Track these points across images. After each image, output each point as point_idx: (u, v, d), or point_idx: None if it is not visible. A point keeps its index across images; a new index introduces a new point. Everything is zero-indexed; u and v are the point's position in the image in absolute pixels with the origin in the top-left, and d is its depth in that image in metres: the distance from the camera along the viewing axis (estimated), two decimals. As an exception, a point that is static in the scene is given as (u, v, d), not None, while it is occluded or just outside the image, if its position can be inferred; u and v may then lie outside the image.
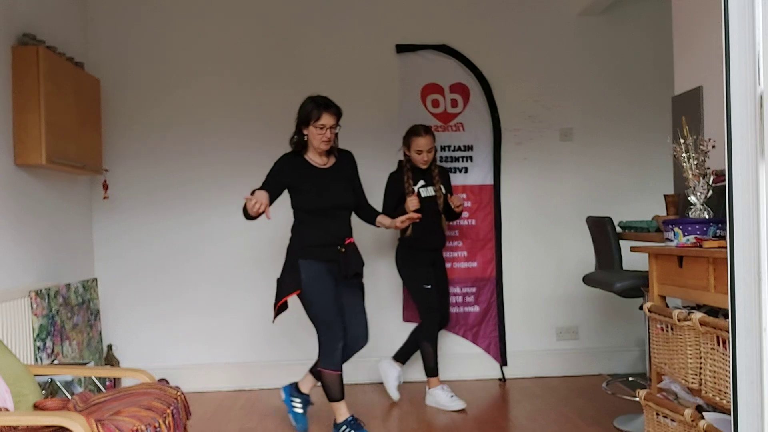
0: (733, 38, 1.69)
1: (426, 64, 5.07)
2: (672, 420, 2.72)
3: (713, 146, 2.94)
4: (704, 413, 2.57)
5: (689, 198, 2.96)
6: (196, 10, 4.99)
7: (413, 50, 5.06)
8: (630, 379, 4.73)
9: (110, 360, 4.69)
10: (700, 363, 2.56)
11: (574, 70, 5.15)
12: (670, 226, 2.92)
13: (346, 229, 3.81)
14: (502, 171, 5.08)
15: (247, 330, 4.97)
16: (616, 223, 4.08)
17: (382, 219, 4.00)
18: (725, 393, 2.37)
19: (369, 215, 4.02)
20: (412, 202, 4.07)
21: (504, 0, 5.13)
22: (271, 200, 3.63)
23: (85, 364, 3.67)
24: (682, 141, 3.00)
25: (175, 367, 4.84)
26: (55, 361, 3.74)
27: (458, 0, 5.11)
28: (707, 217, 2.88)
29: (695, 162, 2.95)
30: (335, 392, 3.74)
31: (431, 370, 4.43)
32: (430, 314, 4.45)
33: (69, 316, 4.00)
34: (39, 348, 3.62)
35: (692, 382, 2.62)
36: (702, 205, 2.92)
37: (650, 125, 5.03)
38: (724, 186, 1.75)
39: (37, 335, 3.61)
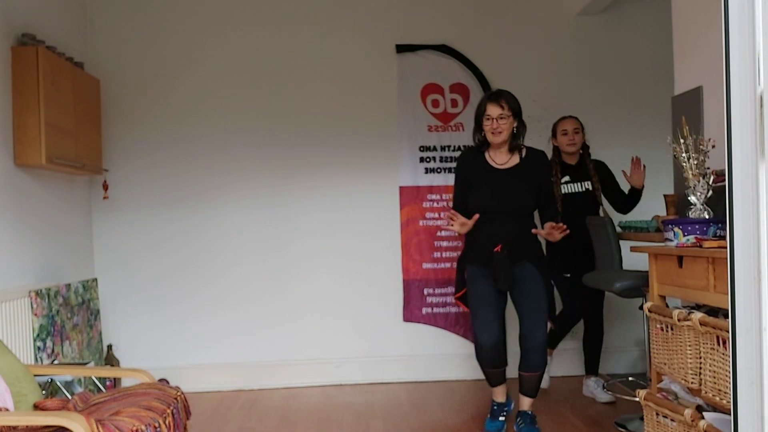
0: (733, 38, 1.69)
1: (426, 64, 5.07)
2: (672, 420, 2.72)
3: (713, 146, 2.94)
4: (704, 413, 2.57)
5: (689, 198, 2.96)
6: (196, 11, 4.99)
7: (413, 50, 5.06)
8: (630, 379, 4.73)
9: (110, 360, 4.68)
10: (700, 363, 2.56)
11: (573, 70, 5.15)
12: (670, 226, 2.92)
13: (508, 234, 3.62)
14: (502, 171, 5.07)
15: (247, 330, 4.96)
16: (616, 223, 4.08)
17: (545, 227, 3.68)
18: (725, 393, 2.37)
19: (545, 219, 3.76)
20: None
21: (503, 0, 5.13)
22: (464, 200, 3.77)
23: (85, 364, 3.67)
24: (682, 141, 3.00)
25: (175, 367, 4.84)
26: (55, 361, 3.74)
27: (458, 0, 5.11)
28: (707, 217, 2.88)
29: (695, 162, 2.95)
30: (487, 380, 3.83)
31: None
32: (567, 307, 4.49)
33: (69, 316, 4.00)
34: (39, 348, 3.62)
35: (692, 382, 2.62)
36: (702, 205, 2.92)
37: (650, 125, 5.02)
38: (724, 186, 1.75)
39: (37, 335, 3.61)
